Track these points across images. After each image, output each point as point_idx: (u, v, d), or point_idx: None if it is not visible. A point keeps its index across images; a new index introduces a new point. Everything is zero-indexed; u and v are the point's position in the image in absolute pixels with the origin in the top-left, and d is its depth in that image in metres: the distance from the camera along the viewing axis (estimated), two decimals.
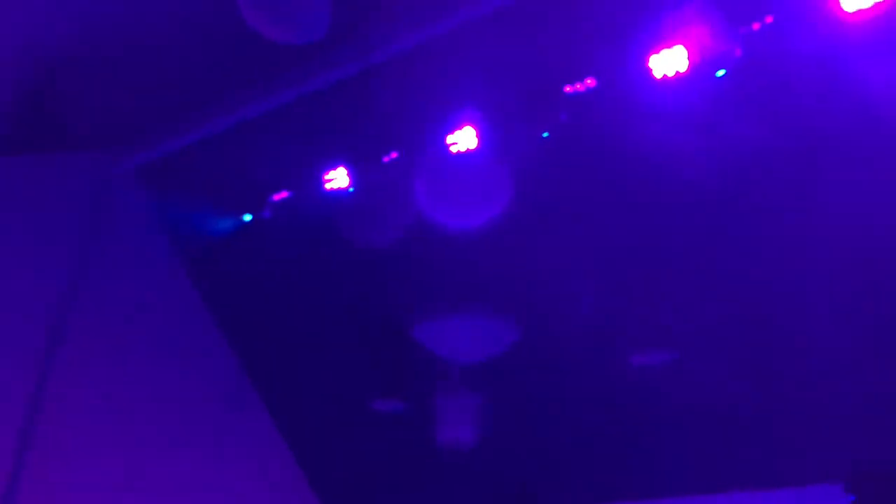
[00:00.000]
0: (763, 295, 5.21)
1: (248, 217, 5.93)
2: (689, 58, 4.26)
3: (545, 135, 4.80)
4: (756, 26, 4.13)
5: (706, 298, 5.30)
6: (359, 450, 7.26)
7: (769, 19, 4.11)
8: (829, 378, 5.30)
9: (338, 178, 5.44)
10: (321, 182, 5.49)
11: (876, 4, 3.85)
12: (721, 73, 4.23)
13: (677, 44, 4.26)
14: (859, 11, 3.89)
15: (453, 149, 4.96)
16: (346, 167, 5.42)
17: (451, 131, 4.95)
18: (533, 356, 6.09)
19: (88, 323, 5.86)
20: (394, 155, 5.30)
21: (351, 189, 5.42)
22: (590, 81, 4.52)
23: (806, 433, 5.60)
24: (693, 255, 5.19)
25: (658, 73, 4.31)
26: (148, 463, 6.12)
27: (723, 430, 5.84)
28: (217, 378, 6.95)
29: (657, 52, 4.30)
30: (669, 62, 4.28)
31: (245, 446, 7.13)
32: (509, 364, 6.17)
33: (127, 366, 6.14)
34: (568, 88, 4.55)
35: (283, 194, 5.75)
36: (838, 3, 3.91)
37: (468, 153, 4.95)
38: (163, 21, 4.33)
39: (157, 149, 5.62)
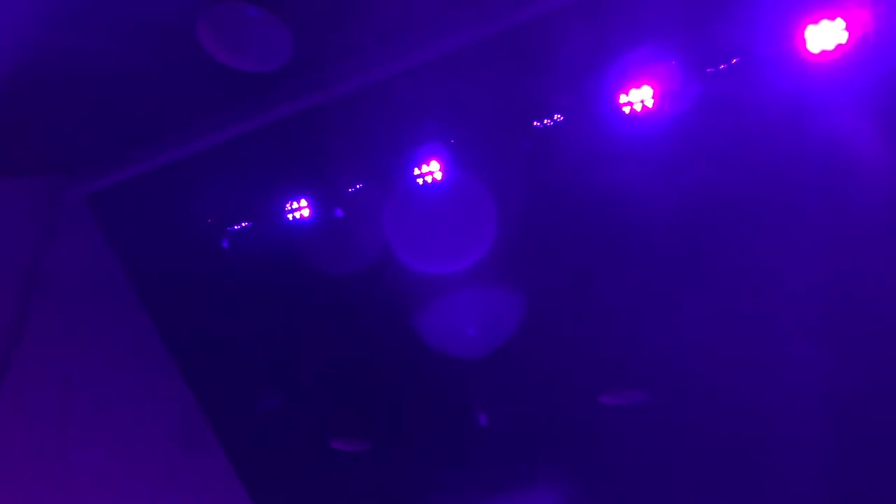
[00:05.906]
0: (732, 335, 5.18)
1: (220, 245, 5.74)
2: (655, 96, 4.30)
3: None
4: (723, 66, 4.16)
5: (673, 338, 5.25)
6: (317, 490, 7.03)
7: (735, 60, 4.15)
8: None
9: (300, 209, 5.33)
10: (283, 212, 5.37)
11: (839, 46, 3.90)
12: (684, 111, 4.27)
13: (645, 83, 4.29)
14: (823, 53, 3.94)
15: (419, 180, 4.92)
16: (308, 198, 5.31)
17: (418, 163, 4.90)
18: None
19: (37, 351, 5.61)
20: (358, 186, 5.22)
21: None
22: (558, 117, 4.53)
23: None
24: (660, 291, 5.15)
25: (626, 110, 4.33)
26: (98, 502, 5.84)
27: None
28: (170, 413, 6.71)
29: (625, 90, 4.32)
30: (637, 100, 4.31)
31: (199, 487, 6.87)
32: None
33: (75, 398, 5.87)
34: (536, 123, 4.55)
35: (243, 224, 5.60)
36: (804, 45, 3.96)
37: (434, 184, 4.91)
38: (122, 48, 4.23)
39: (111, 175, 5.46)
